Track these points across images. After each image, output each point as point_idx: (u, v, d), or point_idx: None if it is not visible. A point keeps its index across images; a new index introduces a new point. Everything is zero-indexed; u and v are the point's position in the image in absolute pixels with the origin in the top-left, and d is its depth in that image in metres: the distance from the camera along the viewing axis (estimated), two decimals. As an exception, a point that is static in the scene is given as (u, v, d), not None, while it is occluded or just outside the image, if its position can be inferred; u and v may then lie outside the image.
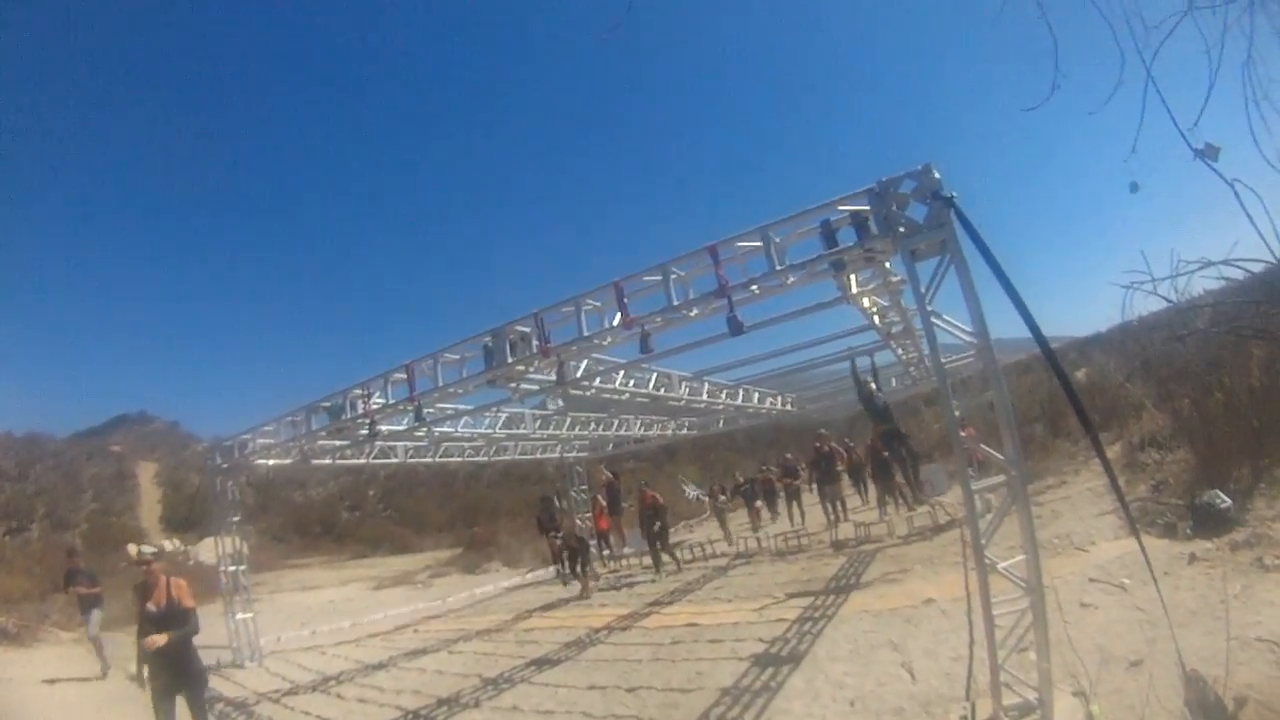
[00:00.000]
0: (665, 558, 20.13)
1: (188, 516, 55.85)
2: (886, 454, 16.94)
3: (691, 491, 30.01)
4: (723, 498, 26.82)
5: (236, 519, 16.78)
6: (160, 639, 7.82)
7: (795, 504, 23.45)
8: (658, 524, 19.86)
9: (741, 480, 27.04)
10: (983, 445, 6.73)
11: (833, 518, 19.96)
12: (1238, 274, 9.42)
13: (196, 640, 8.44)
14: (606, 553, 24.48)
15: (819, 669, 8.99)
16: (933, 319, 6.60)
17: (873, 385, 13.65)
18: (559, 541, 19.84)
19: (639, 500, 20.80)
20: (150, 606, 8.05)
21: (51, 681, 13.77)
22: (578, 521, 20.94)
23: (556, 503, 24.44)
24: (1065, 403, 20.45)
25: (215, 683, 13.73)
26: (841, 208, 7.34)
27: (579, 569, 19.38)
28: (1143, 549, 6.71)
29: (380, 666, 13.95)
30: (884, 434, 15.00)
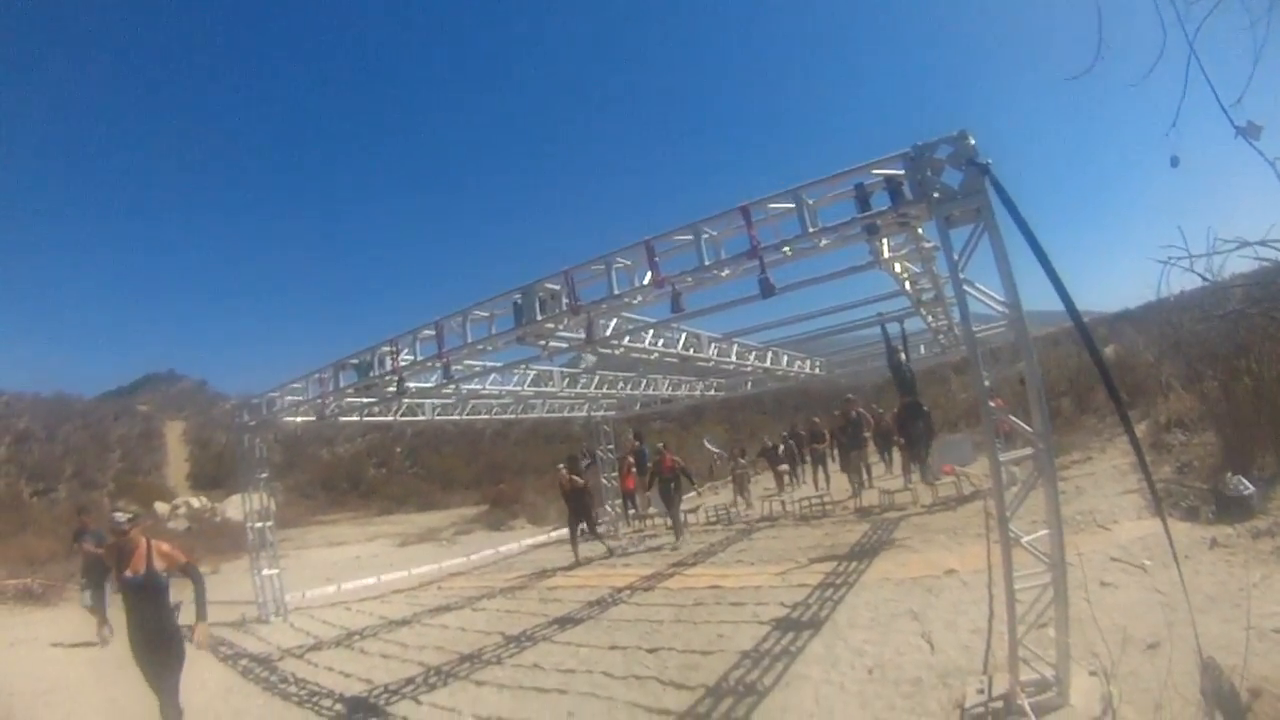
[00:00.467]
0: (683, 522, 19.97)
1: (215, 474, 56.28)
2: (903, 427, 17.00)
3: (714, 449, 29.07)
4: (742, 460, 25.58)
5: (264, 476, 16.86)
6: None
7: (820, 469, 23.26)
8: (673, 487, 19.36)
9: (769, 443, 25.79)
10: (1011, 417, 6.69)
11: (858, 484, 19.89)
12: (1275, 255, 9.41)
13: (217, 595, 8.49)
14: (633, 512, 24.59)
15: (839, 635, 9.05)
16: (965, 287, 6.56)
17: (901, 354, 13.66)
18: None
19: (657, 464, 19.88)
20: (128, 573, 8.01)
21: (64, 645, 13.99)
22: (572, 477, 19.16)
23: (581, 462, 24.63)
24: (1093, 378, 20.50)
25: (239, 638, 14.00)
26: (876, 171, 7.27)
27: (585, 528, 19.15)
28: (1167, 532, 6.68)
29: (404, 622, 14.08)
30: (907, 405, 15.02)
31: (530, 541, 24.63)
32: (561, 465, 20.05)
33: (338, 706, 9.69)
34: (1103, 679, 6.39)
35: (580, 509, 18.94)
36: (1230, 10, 4.90)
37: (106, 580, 12.97)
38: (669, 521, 21.88)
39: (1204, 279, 10.65)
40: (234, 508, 34.94)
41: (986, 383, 6.52)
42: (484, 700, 9.15)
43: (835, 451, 21.82)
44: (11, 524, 34.55)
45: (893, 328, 14.01)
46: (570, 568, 16.38)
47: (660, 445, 21.65)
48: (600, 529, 17.91)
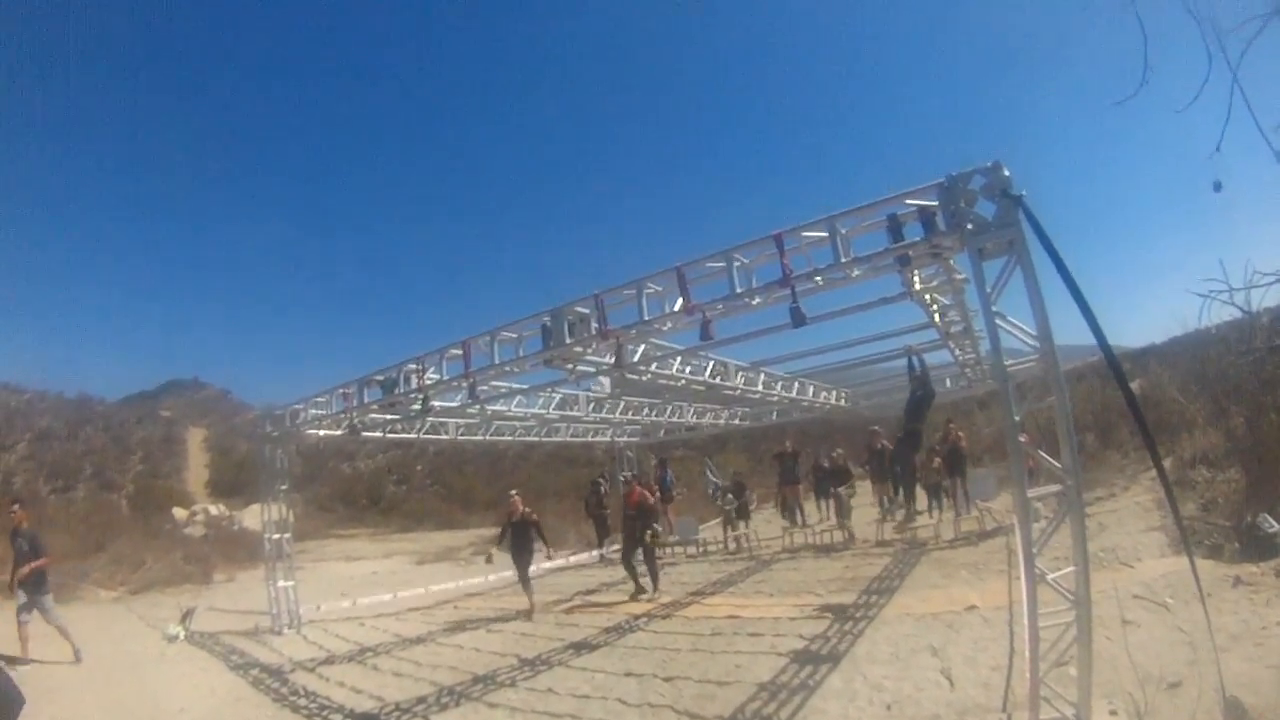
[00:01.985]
0: (653, 570, 16.56)
1: (234, 482, 56.34)
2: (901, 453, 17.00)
3: (715, 479, 27.22)
4: (730, 497, 23.75)
5: (284, 487, 16.88)
6: None
7: (837, 503, 22.60)
8: (646, 531, 16.24)
9: (825, 464, 22.72)
10: (1041, 452, 6.62)
11: (881, 516, 19.71)
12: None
13: (232, 603, 8.52)
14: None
15: (858, 670, 8.97)
16: (996, 320, 6.52)
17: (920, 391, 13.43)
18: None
19: (625, 498, 17.33)
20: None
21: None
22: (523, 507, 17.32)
23: (604, 487, 24.58)
24: (1118, 414, 20.34)
25: (252, 647, 13.95)
26: (909, 201, 7.25)
27: (635, 559, 16.47)
28: (1194, 570, 6.63)
29: (418, 640, 14.02)
30: (907, 434, 14.91)
31: (550, 565, 24.55)
32: (514, 492, 17.46)
33: (347, 722, 9.67)
34: (1123, 719, 6.31)
35: (525, 544, 16.20)
36: (1274, 35, 4.84)
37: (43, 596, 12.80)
38: (687, 550, 21.82)
39: (1243, 312, 10.59)
40: (252, 517, 34.89)
41: (1016, 418, 6.43)
42: (496, 723, 9.11)
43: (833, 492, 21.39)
44: (29, 521, 34.70)
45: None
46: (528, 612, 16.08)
47: (626, 475, 19.66)
48: (639, 565, 16.85)
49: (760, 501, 29.31)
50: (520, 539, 15.97)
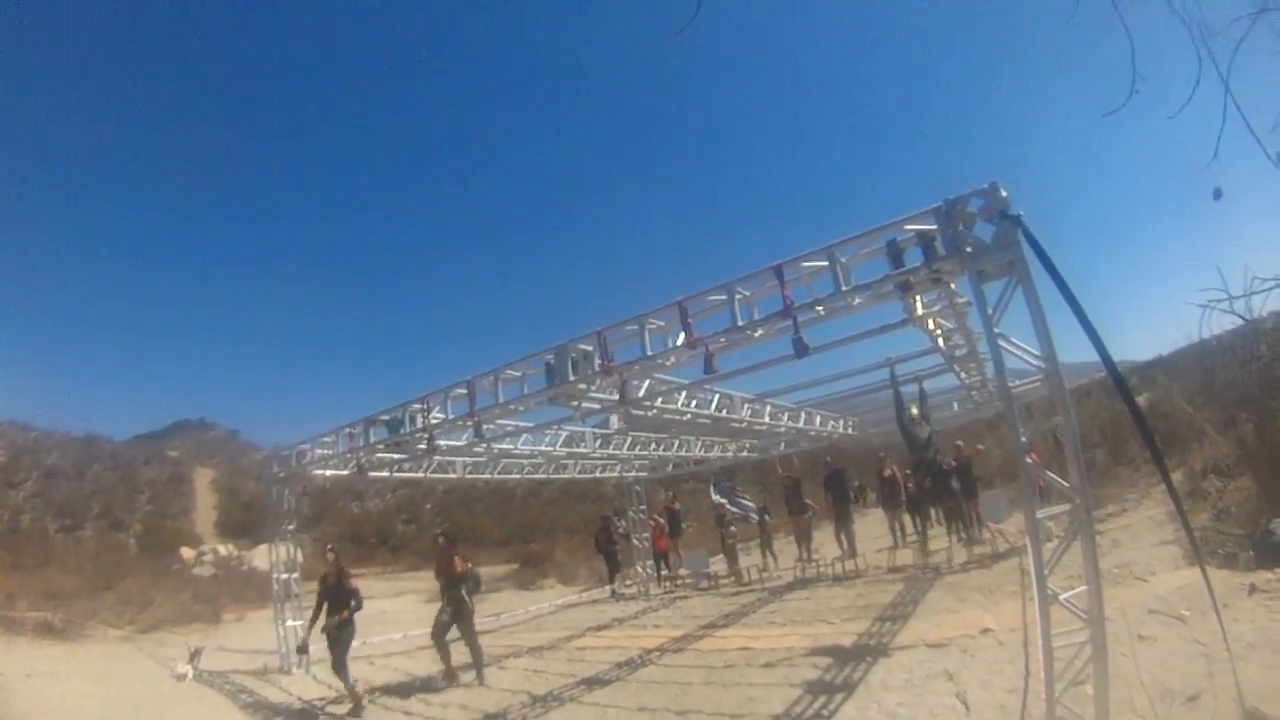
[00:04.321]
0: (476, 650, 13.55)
1: (243, 523, 56.59)
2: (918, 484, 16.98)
3: (721, 500, 25.87)
4: (733, 529, 24.42)
5: (291, 527, 16.89)
6: None
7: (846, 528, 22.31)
8: (463, 594, 13.35)
9: (887, 473, 21.38)
10: (1048, 472, 6.56)
11: (893, 543, 19.66)
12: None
13: (241, 643, 8.52)
14: (664, 573, 24.52)
15: (872, 698, 8.88)
16: (1000, 342, 6.50)
17: (914, 411, 13.10)
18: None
19: (437, 556, 14.19)
20: None
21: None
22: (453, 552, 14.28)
23: (615, 523, 24.59)
24: (1127, 429, 20.29)
25: (260, 687, 13.95)
26: (908, 227, 7.24)
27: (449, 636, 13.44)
28: (1207, 581, 6.57)
29: (429, 680, 13.91)
30: (921, 463, 14.78)
31: (561, 601, 24.52)
32: (440, 534, 14.95)
33: (358, 764, 9.61)
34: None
35: (454, 591, 13.37)
36: (1264, 34, 4.79)
37: None
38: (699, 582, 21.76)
39: (1243, 319, 10.53)
40: (261, 557, 35.03)
41: (1024, 438, 6.36)
42: (509, 761, 9.06)
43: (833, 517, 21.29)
44: (36, 558, 35.05)
45: (910, 388, 13.47)
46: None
47: (439, 533, 15.40)
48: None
49: (772, 530, 29.31)
50: (336, 607, 12.23)
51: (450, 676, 13.30)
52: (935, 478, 15.36)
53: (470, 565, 13.93)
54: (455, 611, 13.19)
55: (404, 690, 13.31)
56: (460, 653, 13.32)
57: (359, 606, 12.74)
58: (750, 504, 24.21)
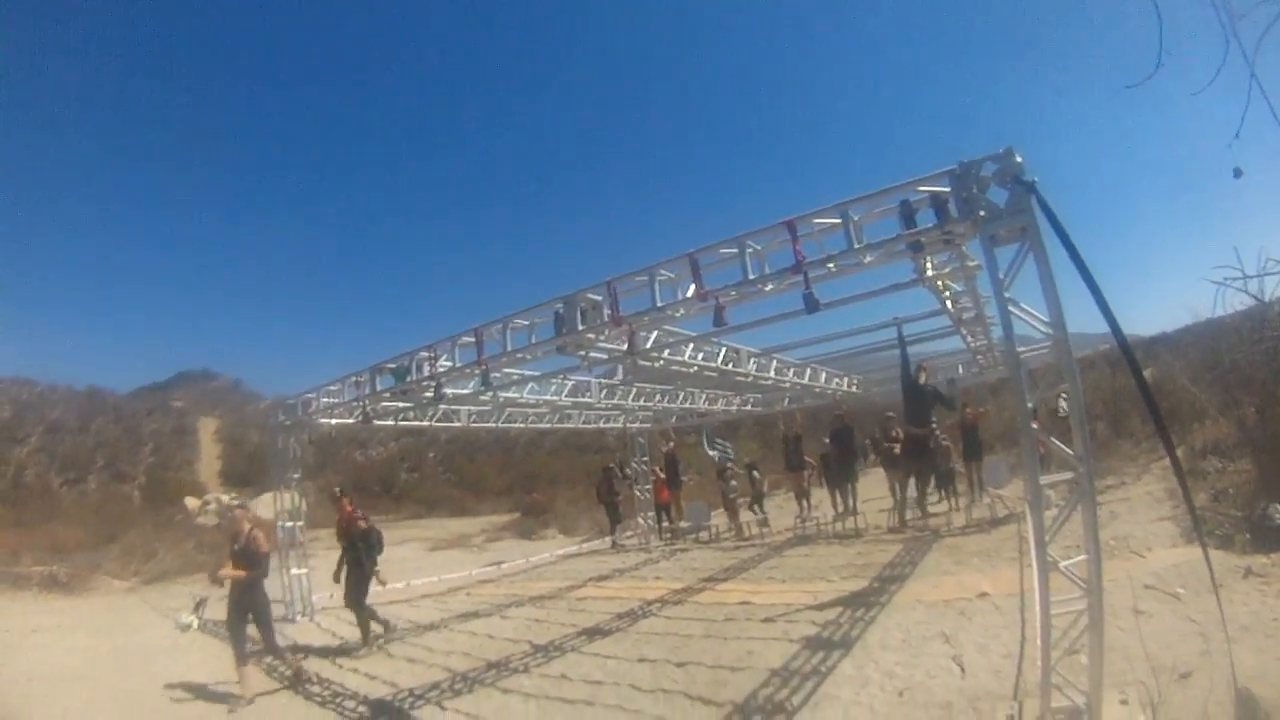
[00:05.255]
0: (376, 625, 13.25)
1: (246, 472, 56.70)
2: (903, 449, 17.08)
3: (716, 453, 23.96)
4: (734, 483, 23.85)
5: (297, 476, 16.96)
6: None
7: (850, 487, 22.29)
8: (361, 556, 13.00)
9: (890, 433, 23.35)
10: (1053, 439, 6.61)
11: (894, 503, 19.67)
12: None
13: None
14: (666, 525, 24.52)
15: (870, 656, 9.00)
16: (1009, 307, 6.51)
17: (923, 374, 13.16)
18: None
19: (338, 517, 13.73)
20: None
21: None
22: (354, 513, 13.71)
23: (618, 473, 24.78)
24: (1130, 402, 20.30)
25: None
26: (921, 188, 7.23)
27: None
28: (1208, 560, 6.63)
29: (431, 627, 14.13)
30: (914, 438, 14.82)
31: (562, 551, 24.61)
32: (336, 489, 14.79)
33: (361, 709, 9.71)
34: (1134, 708, 6.33)
35: (354, 552, 13.02)
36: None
37: None
38: (699, 534, 21.79)
39: (1255, 299, 10.55)
40: (264, 506, 35.01)
41: (1030, 404, 6.43)
42: (509, 709, 9.15)
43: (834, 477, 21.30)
44: (40, 512, 35.14)
45: (913, 352, 13.38)
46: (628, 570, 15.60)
47: (336, 488, 15.17)
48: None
49: (772, 487, 29.30)
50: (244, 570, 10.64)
51: (368, 640, 12.86)
52: (919, 448, 15.46)
53: (369, 523, 13.56)
54: (350, 575, 12.98)
55: (401, 635, 13.52)
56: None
57: (379, 547, 13.24)
58: (728, 451, 24.27)
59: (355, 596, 12.93)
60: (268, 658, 11.42)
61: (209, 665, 11.97)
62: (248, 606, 10.68)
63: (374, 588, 13.17)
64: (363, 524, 13.25)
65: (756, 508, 23.42)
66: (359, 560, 12.88)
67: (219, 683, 10.84)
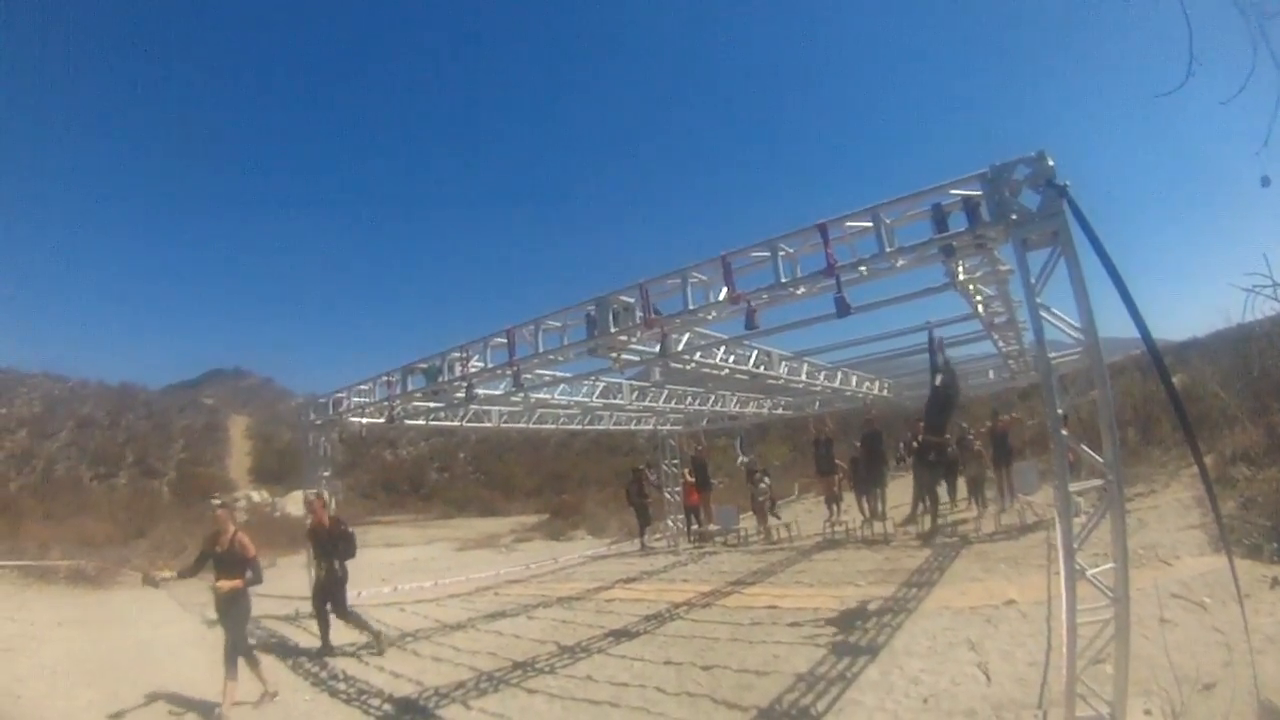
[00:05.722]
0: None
1: (277, 469, 56.92)
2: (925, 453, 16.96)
3: (746, 459, 25.60)
4: (763, 485, 23.65)
5: (327, 473, 16.97)
6: None
7: (879, 492, 22.08)
8: (331, 558, 12.69)
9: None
10: (1083, 446, 6.58)
11: (922, 509, 19.59)
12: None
13: (273, 589, 8.48)
14: (695, 528, 24.46)
15: (895, 662, 9.00)
16: (1040, 312, 6.51)
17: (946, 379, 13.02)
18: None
19: (311, 519, 13.66)
20: None
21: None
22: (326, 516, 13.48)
23: (648, 475, 24.71)
24: (1159, 409, 20.17)
25: (292, 633, 14.08)
26: (953, 191, 7.22)
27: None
28: (1233, 569, 6.61)
29: (458, 627, 14.16)
30: (927, 445, 14.73)
31: (590, 553, 24.63)
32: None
33: (386, 706, 9.74)
34: (1157, 719, 6.30)
35: (323, 554, 12.76)
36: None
37: None
38: (728, 537, 21.78)
39: (1281, 306, 10.47)
40: (294, 503, 35.37)
41: (1060, 410, 6.41)
42: (534, 709, 9.19)
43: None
44: (70, 506, 35.24)
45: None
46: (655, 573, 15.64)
47: (314, 493, 14.88)
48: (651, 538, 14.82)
49: (802, 491, 29.29)
50: (229, 575, 9.85)
51: (328, 649, 12.54)
52: (937, 454, 15.33)
53: (341, 524, 13.14)
54: (321, 577, 12.72)
55: (428, 634, 13.61)
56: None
57: (350, 554, 12.77)
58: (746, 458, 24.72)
59: (321, 601, 12.72)
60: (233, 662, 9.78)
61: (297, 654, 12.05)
62: (226, 610, 9.81)
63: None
64: (334, 526, 12.96)
65: (771, 513, 23.34)
66: (331, 564, 12.60)
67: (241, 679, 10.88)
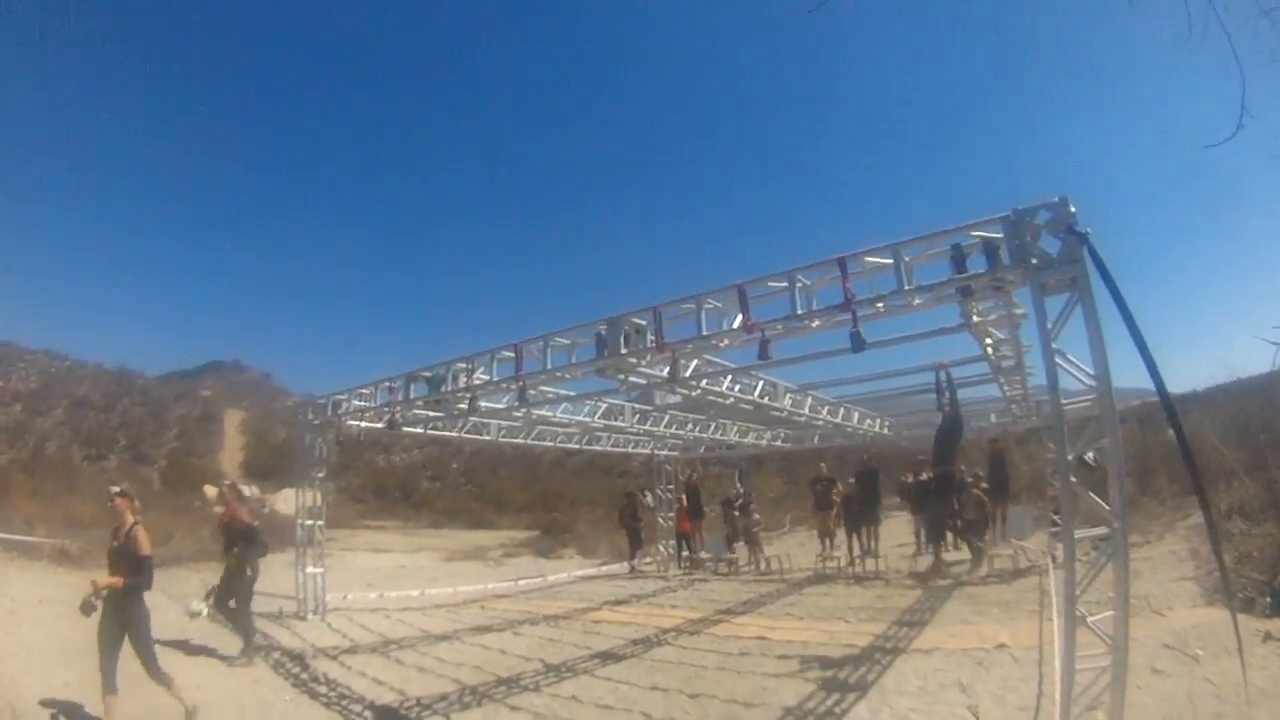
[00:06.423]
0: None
1: (269, 466, 56.70)
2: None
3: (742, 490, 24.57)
4: (756, 516, 23.80)
5: (321, 474, 17.05)
6: None
7: (870, 530, 21.94)
8: (236, 553, 12.53)
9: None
10: (1090, 494, 6.55)
11: (917, 549, 19.77)
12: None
13: (257, 586, 8.34)
14: (686, 554, 24.43)
15: (885, 700, 8.92)
16: (1055, 359, 6.51)
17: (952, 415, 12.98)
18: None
19: (222, 513, 13.77)
20: None
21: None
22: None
23: (642, 499, 24.95)
24: (1157, 460, 20.19)
25: (275, 631, 14.04)
26: (974, 233, 7.25)
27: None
28: (1235, 623, 6.61)
29: (443, 638, 14.04)
30: (938, 478, 14.68)
31: (580, 572, 24.60)
32: (228, 484, 14.33)
33: (367, 713, 9.66)
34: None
35: (231, 551, 12.58)
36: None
37: None
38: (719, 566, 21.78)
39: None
40: (284, 501, 35.22)
41: (1069, 457, 6.38)
42: (517, 727, 9.12)
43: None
44: (59, 485, 35.07)
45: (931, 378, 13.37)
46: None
47: (228, 483, 15.03)
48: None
49: (793, 524, 29.35)
50: (116, 573, 9.12)
51: (248, 651, 11.95)
52: (942, 485, 15.26)
53: (252, 523, 12.98)
54: (226, 572, 12.51)
55: (412, 643, 13.47)
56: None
57: (252, 554, 12.47)
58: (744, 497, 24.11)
59: (223, 598, 12.43)
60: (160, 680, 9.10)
61: (216, 655, 11.95)
62: (122, 622, 8.90)
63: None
64: (245, 523, 12.76)
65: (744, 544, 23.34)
66: (239, 563, 12.35)
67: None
